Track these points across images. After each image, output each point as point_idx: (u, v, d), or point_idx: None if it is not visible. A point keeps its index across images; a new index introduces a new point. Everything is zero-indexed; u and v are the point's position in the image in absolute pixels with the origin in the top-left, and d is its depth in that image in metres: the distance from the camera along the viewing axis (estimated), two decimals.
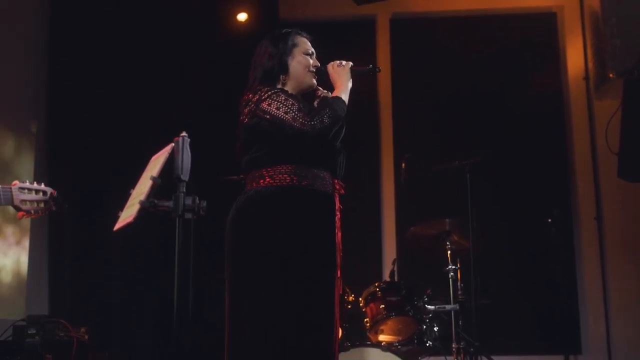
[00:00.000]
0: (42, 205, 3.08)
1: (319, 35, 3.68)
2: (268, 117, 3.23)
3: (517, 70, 6.82)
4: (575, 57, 6.89)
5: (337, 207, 3.32)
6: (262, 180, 3.26)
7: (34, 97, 6.08)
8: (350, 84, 3.40)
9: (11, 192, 3.04)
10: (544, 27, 7.05)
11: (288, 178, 3.23)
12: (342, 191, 3.37)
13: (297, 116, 3.18)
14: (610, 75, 5.78)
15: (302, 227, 3.21)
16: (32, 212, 3.06)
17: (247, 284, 3.19)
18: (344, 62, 3.44)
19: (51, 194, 3.10)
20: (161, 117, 6.14)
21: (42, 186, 3.10)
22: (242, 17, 6.71)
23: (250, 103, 3.33)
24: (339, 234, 3.31)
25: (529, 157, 6.63)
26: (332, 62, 3.46)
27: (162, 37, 6.39)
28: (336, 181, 3.36)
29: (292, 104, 3.22)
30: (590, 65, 6.67)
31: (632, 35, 5.68)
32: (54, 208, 3.12)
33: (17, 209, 3.05)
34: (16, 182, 3.05)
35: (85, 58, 6.11)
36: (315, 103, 3.44)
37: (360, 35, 7.17)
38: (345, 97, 3.34)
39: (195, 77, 6.57)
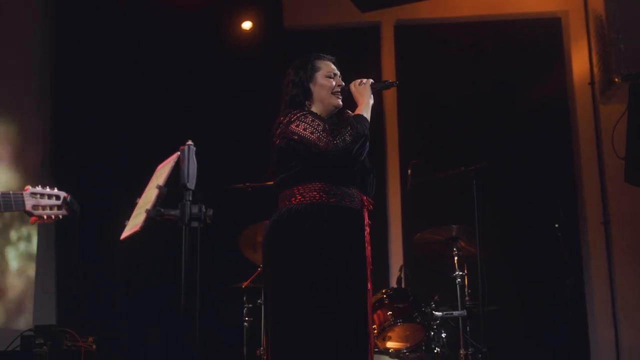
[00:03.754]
0: (55, 209, 3.01)
1: (324, 43, 3.70)
2: (296, 137, 3.36)
3: (522, 75, 6.82)
4: (581, 62, 6.89)
5: (366, 222, 3.45)
6: (293, 199, 3.38)
7: (40, 102, 6.09)
8: (371, 101, 3.51)
9: (22, 197, 2.97)
10: (549, 32, 7.05)
11: (317, 196, 3.35)
12: (371, 207, 3.50)
13: (322, 136, 3.30)
14: (616, 79, 5.78)
15: (330, 242, 3.33)
16: (45, 217, 2.99)
17: (282, 299, 3.31)
18: (364, 80, 3.54)
19: (64, 198, 3.03)
20: (167, 124, 6.16)
21: (55, 190, 3.04)
22: (247, 25, 6.73)
23: (281, 125, 3.45)
24: (369, 248, 3.44)
25: (535, 162, 6.62)
26: (353, 82, 3.56)
27: (168, 46, 6.42)
28: (365, 197, 3.49)
29: (318, 125, 3.35)
30: (595, 70, 6.67)
31: (637, 40, 5.67)
32: (67, 212, 3.05)
33: (30, 214, 2.99)
34: (28, 187, 3.00)
35: (91, 68, 6.13)
36: None
37: (364, 42, 7.18)
38: (367, 114, 3.46)
39: (200, 84, 6.59)
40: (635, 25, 5.73)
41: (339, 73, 3.66)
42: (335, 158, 3.29)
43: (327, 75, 3.60)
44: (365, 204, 3.49)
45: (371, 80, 3.56)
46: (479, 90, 6.83)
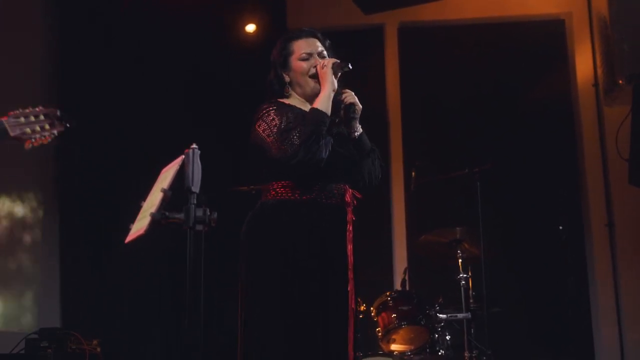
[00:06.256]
0: (47, 127, 2.71)
1: None
2: (258, 141, 3.24)
3: (526, 77, 6.82)
4: (584, 64, 6.88)
5: (348, 219, 3.27)
6: (268, 194, 3.28)
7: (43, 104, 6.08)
8: (332, 87, 3.27)
9: (3, 125, 2.65)
10: (552, 34, 7.04)
11: (290, 192, 3.22)
12: (355, 202, 3.31)
13: (274, 140, 3.15)
14: (620, 81, 5.77)
15: (300, 239, 3.19)
16: (38, 137, 2.70)
17: (253, 296, 3.21)
18: (325, 62, 3.32)
19: (53, 113, 2.74)
20: (171, 128, 6.16)
21: (41, 108, 2.74)
22: (250, 28, 6.74)
23: (253, 122, 3.31)
24: (350, 247, 3.25)
25: (539, 164, 6.61)
26: (319, 63, 3.35)
27: (171, 49, 6.42)
28: (350, 192, 3.31)
29: (275, 125, 3.18)
30: (599, 71, 6.66)
31: None
32: (62, 128, 2.76)
33: (20, 140, 2.69)
34: (10, 113, 2.70)
35: (95, 71, 6.13)
36: (342, 106, 3.38)
37: (368, 44, 7.19)
38: (324, 105, 3.22)
39: (204, 87, 6.59)
40: (638, 26, 5.72)
41: (318, 49, 3.41)
42: (287, 164, 3.12)
43: (300, 58, 3.39)
44: (348, 200, 3.28)
45: (333, 61, 3.30)
46: (482, 92, 6.83)
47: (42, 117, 2.70)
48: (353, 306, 3.23)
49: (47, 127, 2.71)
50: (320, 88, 3.30)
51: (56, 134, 2.73)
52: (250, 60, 6.49)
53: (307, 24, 6.89)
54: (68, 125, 2.75)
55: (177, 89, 6.46)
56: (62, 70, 6.17)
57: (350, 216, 3.28)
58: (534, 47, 6.86)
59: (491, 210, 5.24)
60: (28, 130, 2.67)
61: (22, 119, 2.67)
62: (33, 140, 2.68)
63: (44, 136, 2.70)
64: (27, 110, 2.69)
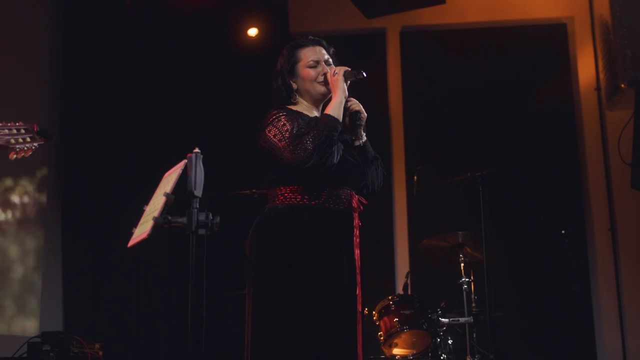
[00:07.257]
0: (28, 140, 2.94)
1: None
2: (267, 145, 3.26)
3: (528, 81, 6.82)
4: (587, 68, 6.88)
5: (355, 224, 3.31)
6: (276, 199, 3.30)
7: (47, 110, 6.09)
8: (343, 94, 3.30)
9: None
10: (555, 38, 7.05)
11: (299, 197, 3.25)
12: (361, 208, 3.35)
13: (287, 144, 3.16)
14: (622, 85, 5.76)
15: (309, 245, 3.22)
16: (21, 148, 2.93)
17: (261, 302, 3.23)
18: (337, 70, 3.35)
19: (32, 128, 2.96)
20: (172, 130, 6.17)
21: (21, 123, 2.96)
22: (252, 32, 6.75)
23: (261, 127, 3.32)
24: (357, 252, 3.30)
25: (542, 168, 6.62)
26: (330, 70, 3.40)
27: (173, 51, 6.43)
28: (356, 198, 3.35)
29: (287, 130, 3.20)
30: (601, 75, 6.66)
31: None
32: (41, 141, 2.98)
33: (4, 148, 2.90)
34: None
35: (96, 71, 6.13)
36: (347, 114, 3.41)
37: (370, 48, 7.20)
38: (335, 111, 3.26)
39: (207, 91, 6.60)
40: None
41: (324, 57, 3.46)
42: (299, 168, 3.14)
43: (307, 65, 3.42)
44: (355, 205, 3.33)
45: (344, 69, 3.33)
46: (484, 96, 6.83)
47: (23, 131, 2.94)
48: (360, 309, 3.27)
49: (28, 139, 2.96)
50: (331, 95, 3.33)
51: (37, 146, 2.97)
52: (252, 64, 6.52)
53: (309, 29, 6.97)
54: (47, 138, 3.00)
55: (179, 91, 6.47)
56: (62, 70, 6.16)
57: (357, 221, 3.33)
58: (536, 51, 6.87)
59: (493, 214, 5.24)
60: (12, 140, 2.91)
61: (7, 130, 2.91)
62: (17, 151, 2.92)
63: (26, 148, 2.95)
64: (9, 124, 2.93)
